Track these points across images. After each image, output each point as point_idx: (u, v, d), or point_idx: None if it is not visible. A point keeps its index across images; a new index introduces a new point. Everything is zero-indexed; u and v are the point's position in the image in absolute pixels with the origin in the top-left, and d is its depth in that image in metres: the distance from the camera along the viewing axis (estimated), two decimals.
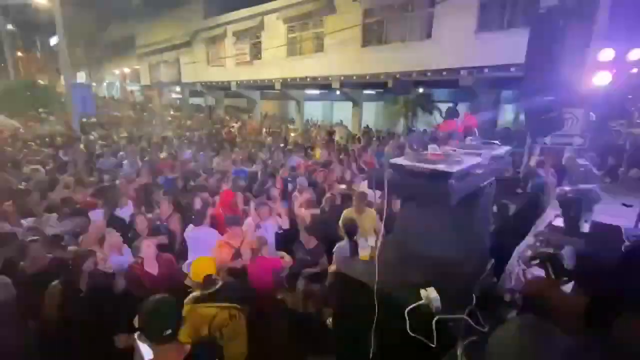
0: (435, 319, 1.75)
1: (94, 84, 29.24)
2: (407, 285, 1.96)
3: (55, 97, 17.97)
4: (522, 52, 4.10)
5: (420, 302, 1.84)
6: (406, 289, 1.94)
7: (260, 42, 15.40)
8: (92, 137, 10.64)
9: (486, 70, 8.87)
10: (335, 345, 2.47)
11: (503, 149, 2.61)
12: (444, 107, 10.55)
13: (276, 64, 14.49)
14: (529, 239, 2.55)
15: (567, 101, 4.49)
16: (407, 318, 1.80)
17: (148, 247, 3.12)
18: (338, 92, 14.05)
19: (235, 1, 15.91)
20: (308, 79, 13.42)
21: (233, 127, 14.24)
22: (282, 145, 10.01)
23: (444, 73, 9.78)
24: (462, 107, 11.49)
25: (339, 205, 4.74)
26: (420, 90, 12.22)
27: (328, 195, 4.93)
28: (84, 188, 5.19)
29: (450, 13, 9.33)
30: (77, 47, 27.89)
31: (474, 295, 1.89)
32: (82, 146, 8.94)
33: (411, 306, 1.83)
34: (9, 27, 26.72)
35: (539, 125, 4.36)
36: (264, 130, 13.45)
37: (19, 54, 31.72)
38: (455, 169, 1.85)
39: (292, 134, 12.60)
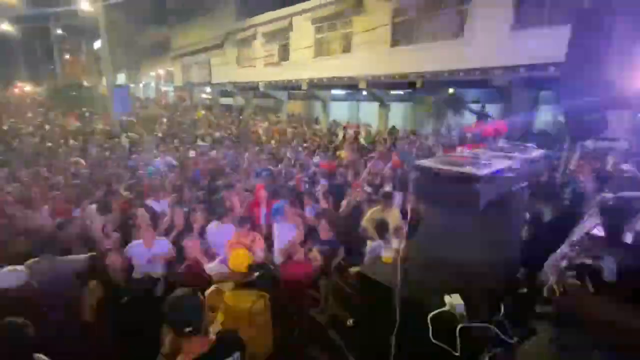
0: (460, 326, 1.69)
1: (131, 85, 30.86)
2: (430, 290, 1.92)
3: (98, 97, 19.19)
4: (563, 50, 3.86)
5: (444, 308, 1.79)
6: (430, 294, 1.89)
7: (288, 43, 15.60)
8: (127, 135, 11.23)
9: (522, 69, 8.44)
10: (356, 346, 2.46)
11: (538, 153, 2.48)
12: (475, 108, 10.19)
13: (303, 64, 14.61)
14: (565, 248, 2.40)
15: (612, 103, 4.18)
16: (430, 324, 1.75)
17: (195, 248, 3.22)
18: (364, 93, 13.94)
19: (266, 3, 16.23)
20: (335, 79, 13.42)
21: (260, 127, 14.51)
22: (306, 145, 10.08)
23: (477, 73, 9.42)
24: (495, 108, 11.02)
25: (360, 205, 4.71)
26: (451, 90, 11.87)
27: (349, 194, 4.92)
28: (119, 184, 5.51)
29: (485, 10, 8.98)
30: (118, 51, 29.59)
31: (501, 304, 1.81)
32: (121, 143, 9.48)
33: (434, 312, 1.78)
34: (59, 32, 28.88)
35: (580, 128, 4.10)
36: (290, 130, 13.61)
37: (67, 57, 34.23)
38: (483, 172, 1.79)
39: (318, 134, 12.65)
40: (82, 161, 7.06)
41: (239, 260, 2.58)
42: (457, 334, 1.67)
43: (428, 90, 11.12)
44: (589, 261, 1.87)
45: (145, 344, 2.48)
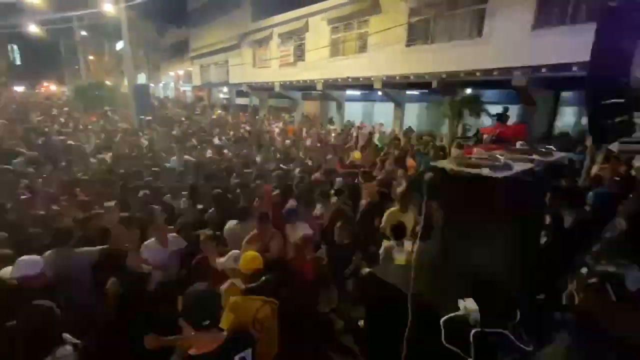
0: (474, 332, 1.66)
1: (152, 84, 31.66)
2: (444, 293, 1.89)
3: (119, 97, 19.77)
4: (586, 49, 3.73)
5: (458, 312, 1.76)
6: (443, 297, 1.87)
7: (304, 43, 15.66)
8: (146, 134, 11.52)
9: (543, 69, 8.20)
10: (366, 348, 2.44)
11: (559, 155, 2.41)
12: (493, 109, 9.95)
13: (319, 65, 14.64)
14: (587, 256, 2.32)
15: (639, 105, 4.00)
16: (442, 328, 1.73)
17: (207, 242, 3.26)
18: (380, 93, 13.85)
19: (282, 4, 16.35)
20: (350, 80, 13.38)
21: (276, 127, 14.63)
22: (319, 145, 10.09)
23: (495, 73, 9.21)
24: (514, 110, 10.75)
25: (375, 206, 4.68)
26: (468, 91, 11.64)
27: (364, 196, 4.89)
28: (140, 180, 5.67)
29: (505, 9, 8.77)
30: (139, 51, 30.44)
31: (518, 310, 1.77)
32: (141, 141, 9.74)
33: (447, 316, 1.75)
34: (83, 33, 29.94)
35: (604, 131, 3.94)
36: (304, 130, 13.66)
37: (90, 57, 35.46)
38: (501, 174, 1.75)
39: (332, 134, 12.65)
40: (107, 158, 7.29)
41: (250, 262, 2.56)
42: (471, 339, 1.64)
43: (444, 90, 10.95)
44: (611, 269, 1.80)
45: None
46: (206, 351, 1.56)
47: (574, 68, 7.34)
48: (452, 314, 1.75)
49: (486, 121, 9.92)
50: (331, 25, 14.04)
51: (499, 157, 2.12)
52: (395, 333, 1.96)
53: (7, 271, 2.55)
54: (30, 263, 2.55)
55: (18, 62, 34.97)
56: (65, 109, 17.65)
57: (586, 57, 3.76)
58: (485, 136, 7.05)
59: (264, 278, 2.51)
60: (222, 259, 3.12)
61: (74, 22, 23.69)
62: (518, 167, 1.95)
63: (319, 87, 14.94)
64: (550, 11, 8.22)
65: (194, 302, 1.63)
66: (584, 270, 1.96)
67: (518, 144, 2.68)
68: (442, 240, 2.27)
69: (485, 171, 1.79)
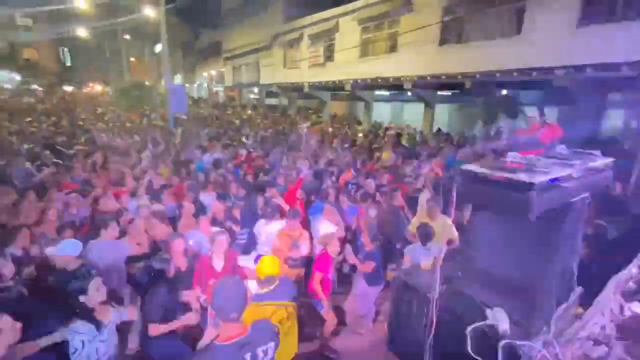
0: (503, 342, 1.59)
1: (186, 85, 33.03)
2: (471, 302, 1.83)
3: (157, 96, 20.83)
4: (637, 48, 3.46)
5: (486, 322, 1.70)
6: (470, 305, 1.81)
7: (333, 44, 15.68)
8: (181, 132, 12.04)
9: (589, 69, 7.67)
10: (388, 350, 2.41)
11: (603, 161, 2.25)
12: (530, 111, 9.46)
13: (348, 65, 14.60)
14: (632, 270, 2.15)
15: None
16: (468, 336, 1.67)
17: (221, 242, 3.30)
18: (409, 94, 13.57)
19: (313, 5, 16.48)
20: (379, 80, 13.23)
21: (305, 127, 14.76)
22: (347, 146, 10.06)
23: (534, 73, 8.73)
24: (554, 112, 10.16)
25: (400, 209, 4.61)
26: (504, 92, 11.14)
27: (391, 198, 4.82)
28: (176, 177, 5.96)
29: (546, 5, 8.28)
30: (176, 53, 31.88)
31: (552, 324, 1.68)
32: (176, 139, 10.20)
33: (474, 325, 1.69)
34: (126, 36, 31.85)
35: None
36: (331, 130, 13.67)
37: (132, 59, 37.64)
38: (538, 179, 1.66)
39: (360, 135, 12.57)
40: (147, 155, 7.70)
41: (264, 267, 2.53)
42: (500, 350, 1.58)
43: (477, 91, 10.55)
44: None
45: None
46: (230, 341, 1.62)
47: (624, 68, 6.81)
48: (479, 323, 1.69)
49: (522, 123, 9.44)
50: (362, 25, 13.95)
51: (536, 161, 2.02)
52: (417, 337, 1.92)
53: (53, 250, 2.86)
54: (71, 245, 2.85)
55: (68, 64, 37.76)
56: (111, 107, 18.83)
57: (638, 56, 3.49)
58: (521, 139, 6.71)
59: (277, 283, 2.50)
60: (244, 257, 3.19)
61: (118, 26, 25.26)
62: (556, 172, 1.84)
63: (348, 87, 14.90)
64: (597, 7, 7.67)
65: (222, 295, 1.68)
66: (631, 285, 1.83)
67: (558, 148, 2.54)
68: (471, 246, 2.20)
69: (520, 175, 1.71)
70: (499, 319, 1.66)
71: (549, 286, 1.85)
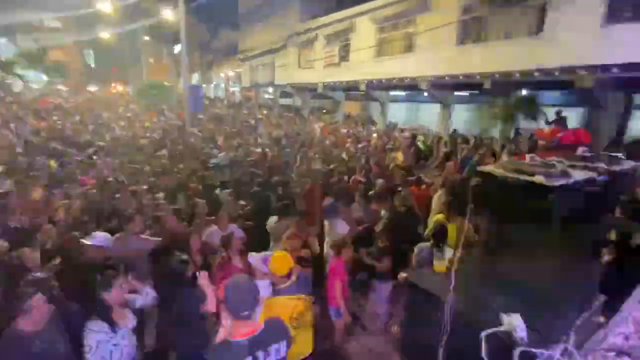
0: (519, 350, 1.55)
1: (203, 85, 33.63)
2: (486, 306, 1.78)
3: (175, 96, 21.29)
4: None
5: (501, 327, 1.65)
6: (485, 310, 1.76)
7: (349, 44, 15.63)
8: (198, 131, 12.27)
9: (615, 69, 7.37)
10: (400, 354, 2.39)
11: (629, 165, 2.16)
12: (551, 112, 9.14)
13: (363, 65, 14.53)
14: None
15: None
16: (483, 342, 1.64)
17: (237, 242, 3.35)
18: (425, 94, 13.38)
19: (329, 5, 16.47)
20: (394, 80, 13.10)
21: (319, 127, 14.77)
22: (360, 146, 10.01)
23: (556, 73, 8.45)
24: (576, 113, 9.81)
25: (414, 210, 4.57)
26: (523, 92, 10.83)
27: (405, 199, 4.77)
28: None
29: (570, 3, 8.00)
30: (193, 53, 32.49)
31: (571, 332, 1.62)
32: (192, 139, 10.41)
33: (489, 330, 1.65)
34: (146, 38, 32.72)
35: None
36: (344, 130, 13.64)
37: (151, 60, 38.64)
38: (558, 182, 1.61)
39: (374, 135, 12.49)
40: (165, 153, 7.90)
41: (281, 263, 2.56)
42: (515, 357, 1.54)
43: (496, 91, 10.29)
44: None
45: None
46: (243, 338, 1.64)
47: None
48: (494, 329, 1.65)
49: (541, 125, 9.16)
50: (378, 24, 13.86)
51: (556, 163, 1.95)
52: (430, 341, 1.89)
53: (87, 241, 3.12)
54: (101, 238, 3.09)
55: (93, 65, 39.15)
56: (132, 106, 19.37)
57: None
58: (541, 141, 6.50)
59: (294, 278, 2.53)
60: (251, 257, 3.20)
61: (139, 28, 26.00)
62: (577, 175, 1.78)
63: (363, 87, 14.82)
64: (623, 4, 7.36)
65: (234, 293, 1.70)
66: None
67: (580, 150, 2.45)
68: (488, 249, 2.15)
69: (539, 178, 1.65)
70: (516, 325, 1.61)
71: (569, 293, 1.79)
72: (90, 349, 2.12)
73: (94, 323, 2.18)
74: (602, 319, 1.91)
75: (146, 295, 2.61)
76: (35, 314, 1.98)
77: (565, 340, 1.58)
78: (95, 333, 2.15)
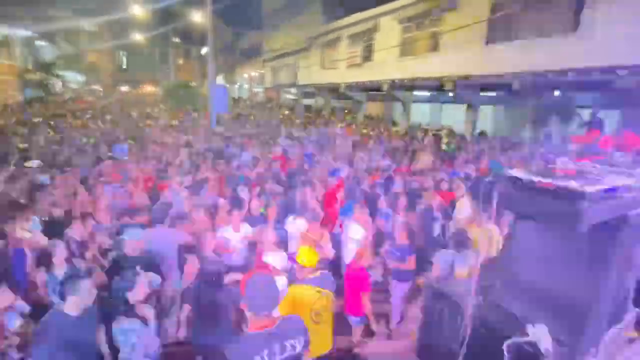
0: None
1: (228, 85, 34.45)
2: (509, 315, 1.72)
3: (201, 97, 21.96)
4: None
5: (526, 338, 1.59)
6: (508, 320, 1.70)
7: (372, 44, 15.51)
8: (222, 131, 12.58)
9: None
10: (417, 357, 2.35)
11: None
12: (586, 114, 8.67)
13: (387, 65, 14.37)
14: None
15: None
16: (505, 352, 1.58)
17: (269, 243, 3.38)
18: (450, 94, 13.04)
19: (352, 5, 16.41)
20: (417, 80, 12.86)
21: (338, 128, 14.77)
22: (382, 147, 9.90)
23: (593, 73, 8.00)
24: (615, 116, 9.25)
25: (431, 211, 4.48)
26: (556, 93, 10.32)
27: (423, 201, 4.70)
28: (217, 172, 6.25)
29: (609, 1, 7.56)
30: (219, 55, 33.34)
31: (601, 346, 1.53)
32: (217, 137, 10.70)
33: (513, 340, 1.60)
34: (174, 40, 33.92)
35: None
36: (365, 131, 13.55)
37: (179, 61, 40.00)
38: (591, 188, 1.53)
39: (396, 137, 12.32)
40: (187, 151, 8.17)
41: (306, 256, 2.60)
42: None
43: (526, 92, 9.87)
44: None
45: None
46: (260, 331, 1.66)
47: None
48: (518, 339, 1.59)
49: (576, 128, 8.70)
50: (402, 24, 13.66)
51: (590, 168, 1.85)
52: (449, 348, 1.85)
53: (125, 235, 3.21)
54: (134, 232, 3.19)
55: (124, 66, 41.06)
56: (162, 106, 20.15)
57: None
58: (576, 145, 6.16)
59: (320, 271, 2.56)
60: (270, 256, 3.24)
61: (169, 30, 27.02)
62: (614, 182, 1.68)
63: (385, 87, 14.66)
64: None
65: (255, 292, 1.72)
66: None
67: (616, 155, 2.31)
68: (514, 257, 2.07)
69: (572, 184, 1.58)
70: (541, 336, 1.55)
71: (599, 305, 1.69)
72: (125, 345, 2.27)
73: (124, 320, 2.31)
74: (634, 334, 1.79)
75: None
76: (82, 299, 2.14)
77: (593, 354, 1.50)
78: (125, 329, 2.29)
